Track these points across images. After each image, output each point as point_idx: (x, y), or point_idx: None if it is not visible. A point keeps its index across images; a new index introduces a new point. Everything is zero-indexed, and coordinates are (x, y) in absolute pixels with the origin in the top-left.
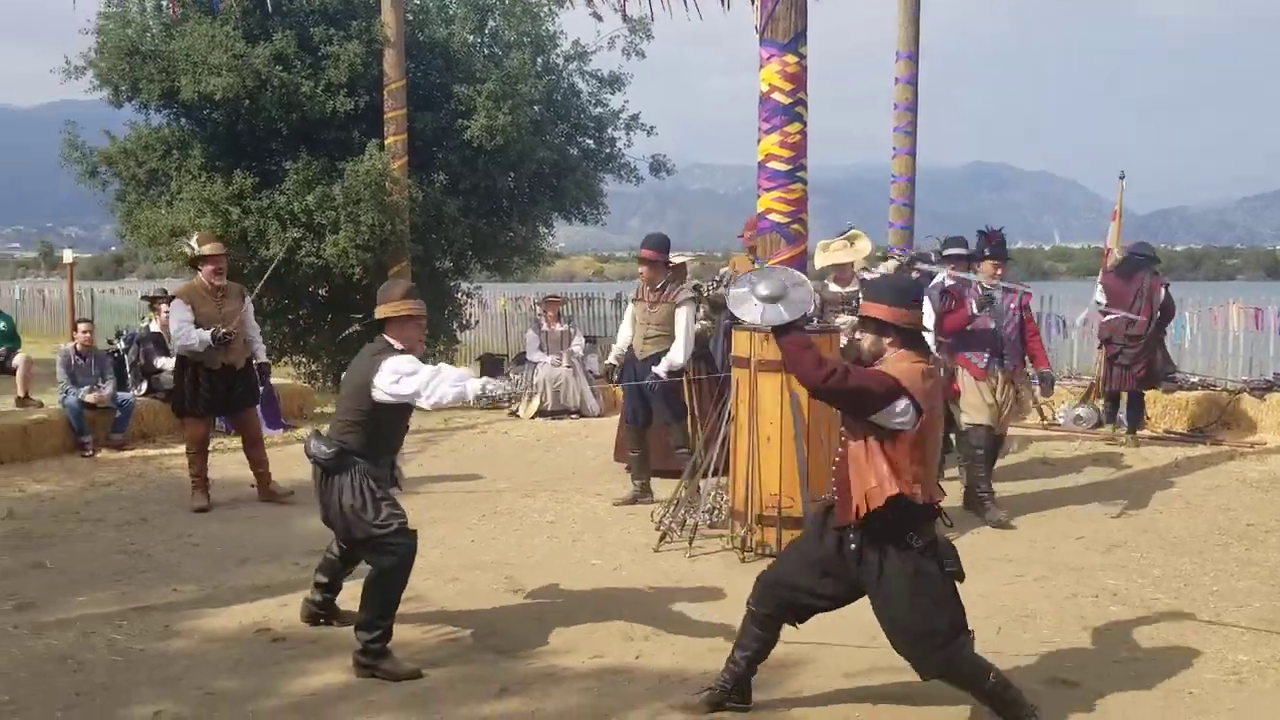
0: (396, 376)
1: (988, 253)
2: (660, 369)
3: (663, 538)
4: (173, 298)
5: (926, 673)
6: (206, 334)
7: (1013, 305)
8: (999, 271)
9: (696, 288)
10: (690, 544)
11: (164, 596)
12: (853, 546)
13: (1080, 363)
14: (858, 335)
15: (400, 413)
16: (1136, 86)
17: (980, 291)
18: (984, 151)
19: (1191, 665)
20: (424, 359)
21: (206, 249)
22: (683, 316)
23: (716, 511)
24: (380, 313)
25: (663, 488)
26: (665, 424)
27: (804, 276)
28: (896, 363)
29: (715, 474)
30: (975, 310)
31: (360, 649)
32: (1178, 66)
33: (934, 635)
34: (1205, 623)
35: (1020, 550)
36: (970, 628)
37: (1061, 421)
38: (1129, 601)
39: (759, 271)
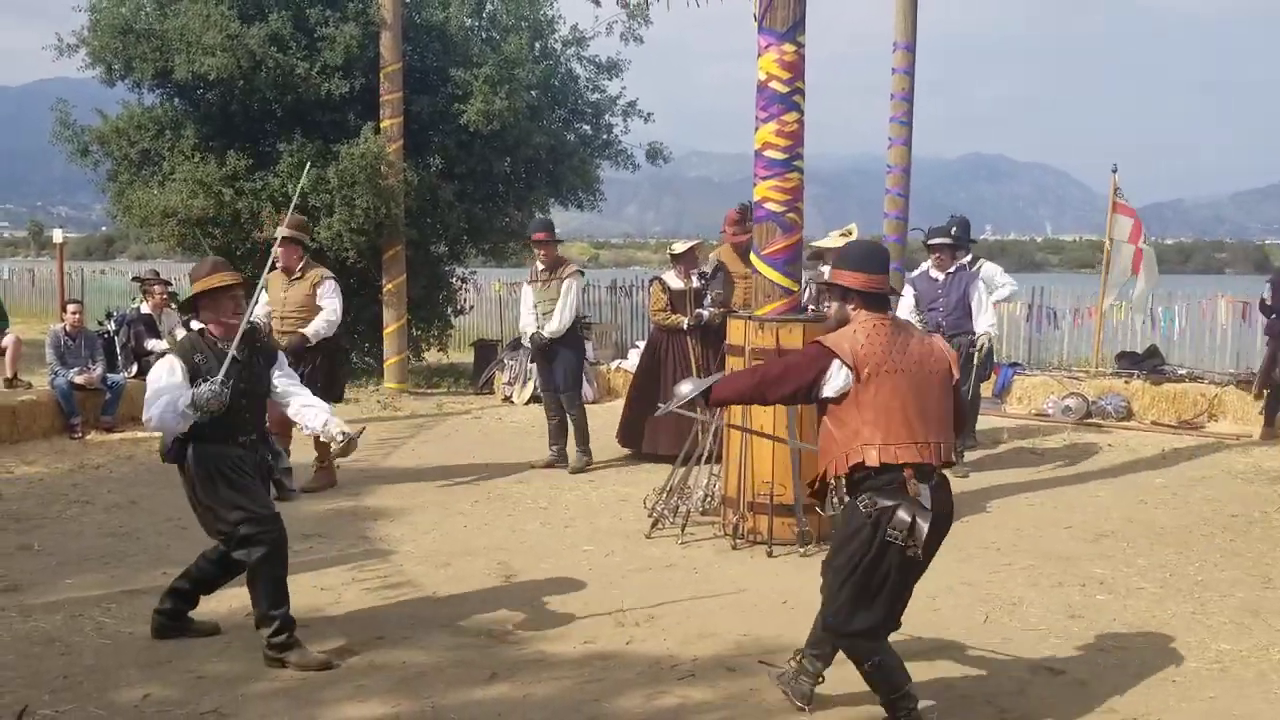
0: (152, 377)
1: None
2: (546, 332)
3: (655, 524)
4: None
5: (827, 631)
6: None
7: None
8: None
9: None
10: (682, 531)
11: (153, 579)
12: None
13: (1070, 354)
14: (825, 304)
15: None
16: (1133, 80)
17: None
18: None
19: (1175, 654)
20: (420, 344)
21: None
22: (572, 290)
23: (709, 498)
24: (194, 288)
25: (660, 473)
26: (555, 390)
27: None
28: (846, 328)
29: (709, 461)
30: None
31: (265, 644)
32: (1175, 61)
33: (840, 605)
34: (1189, 613)
35: (1007, 539)
36: (889, 650)
37: (1050, 412)
38: (1115, 590)
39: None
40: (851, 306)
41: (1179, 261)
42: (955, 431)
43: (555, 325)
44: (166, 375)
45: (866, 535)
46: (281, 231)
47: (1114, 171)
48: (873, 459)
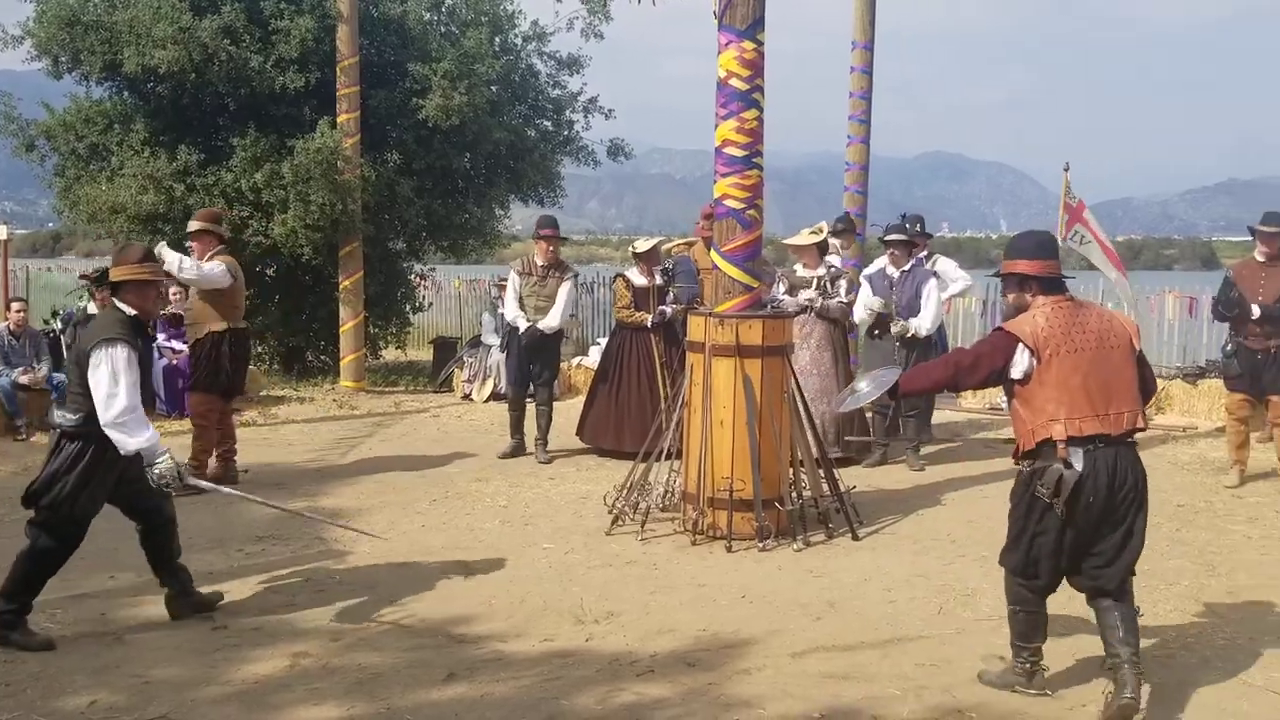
0: (100, 375)
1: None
2: (542, 325)
3: (615, 521)
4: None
5: (1000, 562)
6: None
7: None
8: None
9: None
10: (642, 527)
11: (101, 584)
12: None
13: None
14: (1004, 294)
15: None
16: (1086, 80)
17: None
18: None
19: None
20: (378, 342)
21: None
22: (571, 290)
23: (669, 494)
24: (117, 274)
25: (621, 470)
26: (528, 382)
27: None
28: (1026, 314)
29: (669, 457)
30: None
31: None
32: (1127, 62)
33: (1005, 546)
34: (1137, 600)
35: (962, 531)
36: (1044, 581)
37: (1004, 405)
38: None
39: (859, 378)
40: (1030, 293)
41: (1128, 258)
42: (1145, 399)
43: (554, 321)
44: (128, 370)
45: (1021, 491)
46: (193, 225)
47: (1066, 170)
48: (1059, 433)
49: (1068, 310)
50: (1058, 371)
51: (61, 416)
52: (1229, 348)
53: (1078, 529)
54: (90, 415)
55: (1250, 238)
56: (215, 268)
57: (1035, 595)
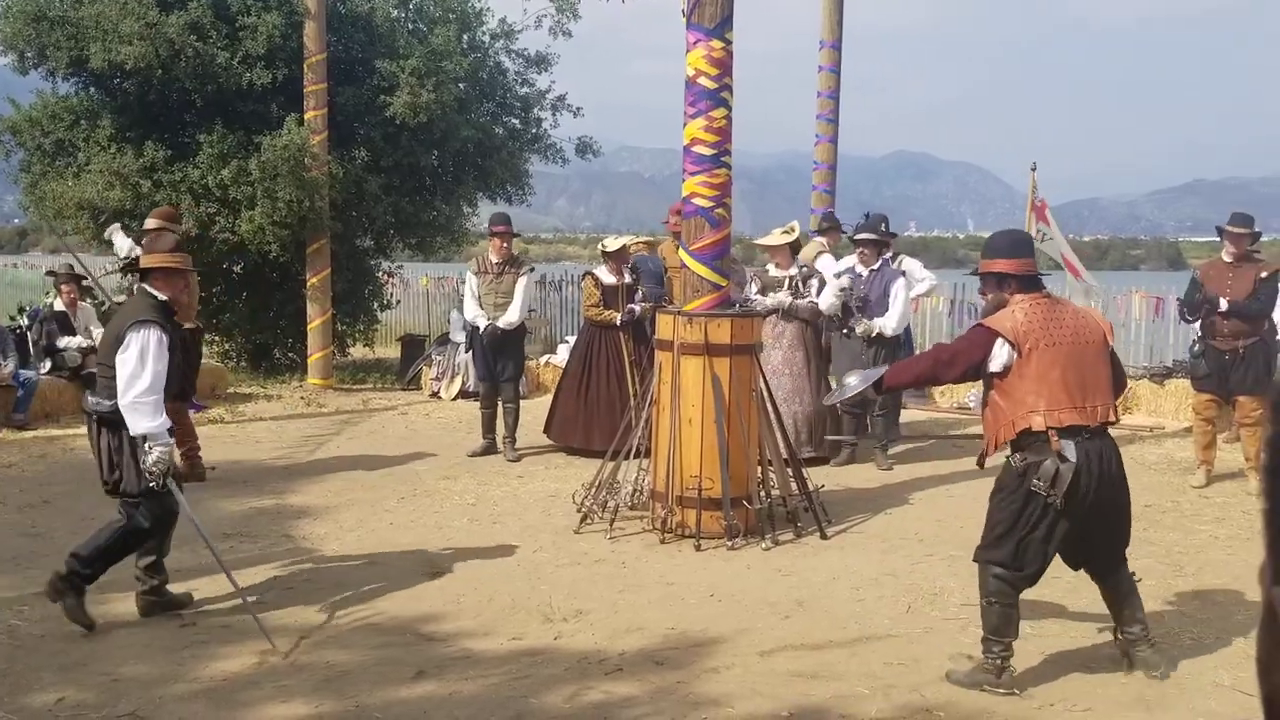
0: (129, 355)
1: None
2: (501, 323)
3: (584, 519)
4: None
5: (976, 558)
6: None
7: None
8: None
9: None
10: (611, 526)
11: None
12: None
13: None
14: (982, 292)
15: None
16: (1054, 80)
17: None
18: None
19: (1091, 640)
20: (345, 339)
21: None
22: (528, 285)
23: (638, 493)
24: (148, 261)
25: (589, 468)
26: (497, 379)
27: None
28: (1005, 309)
29: (638, 456)
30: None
31: (65, 574)
32: (1095, 62)
33: (986, 538)
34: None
35: (930, 530)
36: (1030, 572)
37: (971, 405)
38: None
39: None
40: (1008, 291)
41: (1095, 257)
42: (1116, 394)
43: (514, 317)
44: (158, 354)
45: (1013, 482)
46: (151, 223)
47: (1033, 170)
48: (1038, 424)
49: (1045, 306)
50: (1037, 365)
51: (96, 402)
52: (1196, 348)
53: (1072, 519)
54: None
55: (1218, 238)
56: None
57: (1014, 589)
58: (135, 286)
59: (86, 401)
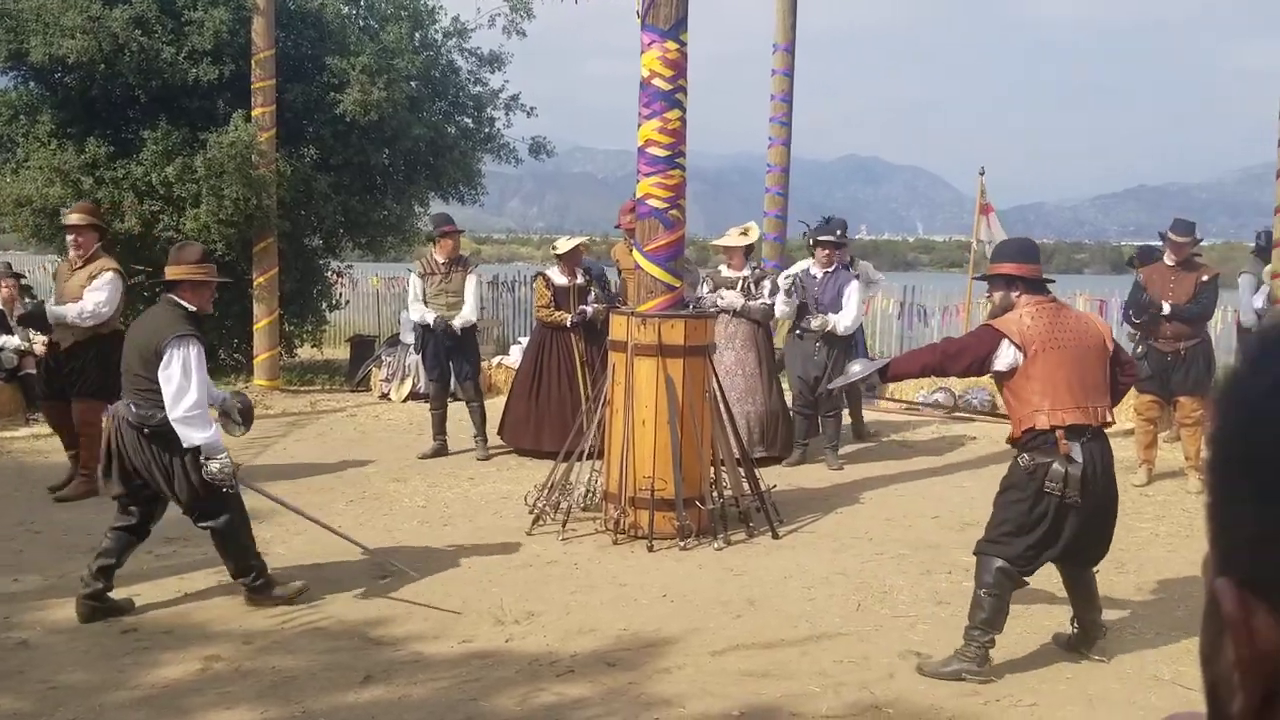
0: (172, 370)
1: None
2: (458, 323)
3: (536, 521)
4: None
5: (978, 550)
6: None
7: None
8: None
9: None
10: (564, 527)
11: (4, 587)
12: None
13: None
14: (989, 294)
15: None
16: (1001, 87)
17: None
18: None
19: (1036, 637)
20: (293, 340)
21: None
22: (473, 283)
23: (591, 494)
24: (175, 273)
25: (542, 469)
26: (449, 379)
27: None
28: (1012, 313)
29: (590, 457)
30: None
31: (249, 586)
32: (1042, 67)
33: (993, 530)
34: (1049, 597)
35: (879, 529)
36: (1034, 568)
37: (920, 405)
38: None
39: (852, 362)
40: (1016, 293)
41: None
42: (1114, 398)
43: (471, 316)
44: (199, 367)
45: (1022, 482)
46: (74, 218)
47: (981, 174)
48: (1043, 423)
49: (1050, 310)
50: (1043, 366)
51: (144, 415)
52: (1139, 350)
53: (1081, 516)
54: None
55: (1160, 243)
56: (108, 295)
57: (1013, 582)
58: (160, 296)
59: (130, 412)
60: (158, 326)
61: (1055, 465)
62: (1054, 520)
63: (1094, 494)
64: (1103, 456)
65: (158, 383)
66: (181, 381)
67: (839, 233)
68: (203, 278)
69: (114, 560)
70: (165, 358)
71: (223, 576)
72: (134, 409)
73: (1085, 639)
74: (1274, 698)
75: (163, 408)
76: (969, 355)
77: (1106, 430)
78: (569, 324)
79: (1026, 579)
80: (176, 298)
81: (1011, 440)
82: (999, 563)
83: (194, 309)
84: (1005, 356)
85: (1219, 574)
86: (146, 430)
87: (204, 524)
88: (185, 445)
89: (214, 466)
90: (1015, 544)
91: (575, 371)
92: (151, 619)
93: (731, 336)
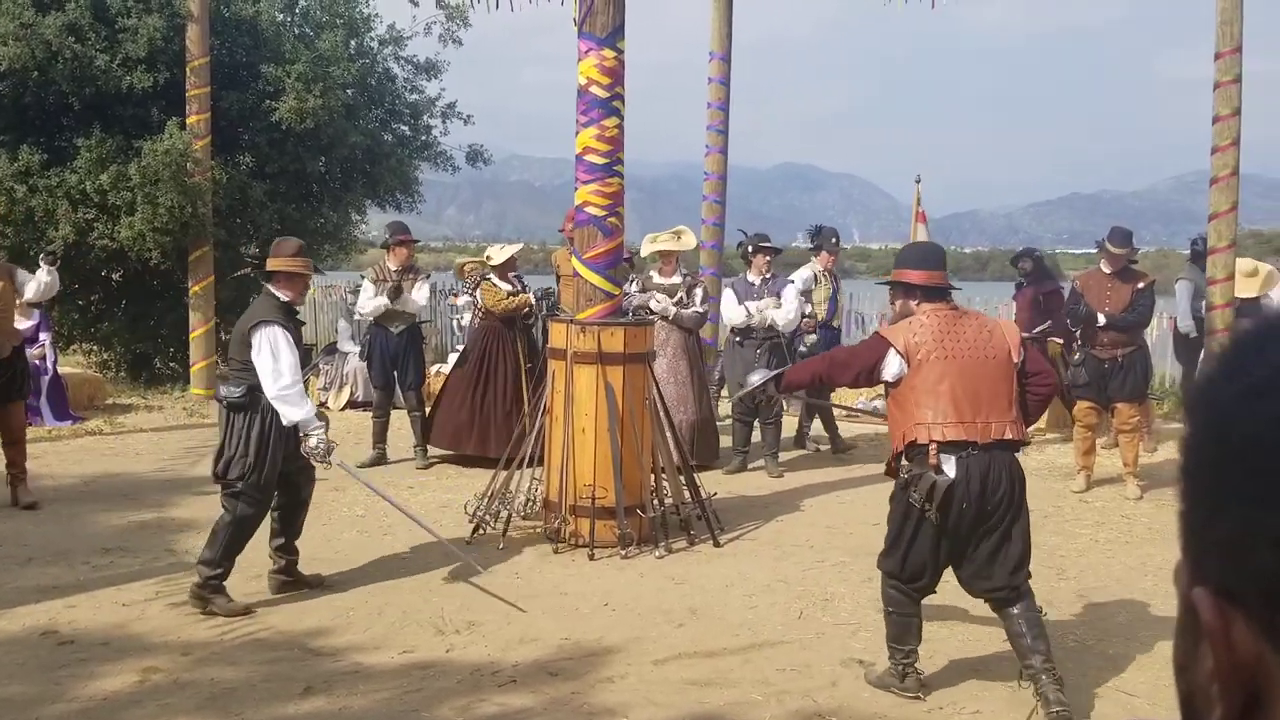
0: (261, 355)
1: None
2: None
3: (476, 529)
4: None
5: (877, 566)
6: None
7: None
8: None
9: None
10: (504, 535)
11: None
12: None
13: None
14: (892, 301)
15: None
16: (935, 95)
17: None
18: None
19: (978, 643)
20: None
21: None
22: (425, 287)
23: (531, 502)
24: (273, 265)
25: (481, 478)
26: (405, 388)
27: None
28: (903, 321)
29: (530, 465)
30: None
31: (201, 583)
32: (974, 76)
33: (883, 549)
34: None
35: (820, 536)
36: (920, 584)
37: (860, 408)
38: None
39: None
40: (915, 301)
41: (977, 269)
42: (1023, 411)
43: (422, 300)
44: (287, 348)
45: (898, 494)
46: None
47: (917, 182)
48: (923, 436)
49: (945, 318)
50: (925, 376)
51: (227, 390)
52: (1077, 357)
53: (952, 534)
54: (252, 388)
55: (1094, 250)
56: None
57: (909, 598)
58: (261, 288)
59: (218, 390)
60: (251, 315)
61: (924, 476)
62: (926, 535)
63: (966, 512)
64: (988, 473)
65: (247, 365)
66: (270, 363)
67: (833, 240)
68: (297, 270)
69: (284, 538)
70: (255, 343)
71: (161, 587)
72: (220, 388)
73: (1040, 698)
74: (1253, 707)
75: (239, 385)
76: (857, 364)
77: (1015, 446)
78: (532, 302)
79: (922, 594)
80: (273, 289)
81: (894, 452)
82: (889, 580)
83: (288, 299)
84: (891, 366)
85: (1194, 583)
86: (225, 402)
87: (226, 502)
88: (284, 422)
89: (312, 441)
90: (894, 558)
91: (520, 376)
92: (88, 630)
93: (663, 344)
